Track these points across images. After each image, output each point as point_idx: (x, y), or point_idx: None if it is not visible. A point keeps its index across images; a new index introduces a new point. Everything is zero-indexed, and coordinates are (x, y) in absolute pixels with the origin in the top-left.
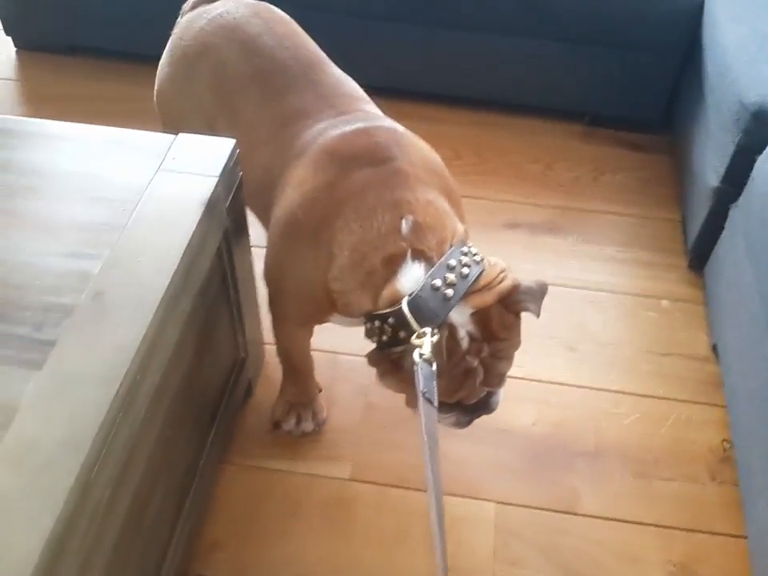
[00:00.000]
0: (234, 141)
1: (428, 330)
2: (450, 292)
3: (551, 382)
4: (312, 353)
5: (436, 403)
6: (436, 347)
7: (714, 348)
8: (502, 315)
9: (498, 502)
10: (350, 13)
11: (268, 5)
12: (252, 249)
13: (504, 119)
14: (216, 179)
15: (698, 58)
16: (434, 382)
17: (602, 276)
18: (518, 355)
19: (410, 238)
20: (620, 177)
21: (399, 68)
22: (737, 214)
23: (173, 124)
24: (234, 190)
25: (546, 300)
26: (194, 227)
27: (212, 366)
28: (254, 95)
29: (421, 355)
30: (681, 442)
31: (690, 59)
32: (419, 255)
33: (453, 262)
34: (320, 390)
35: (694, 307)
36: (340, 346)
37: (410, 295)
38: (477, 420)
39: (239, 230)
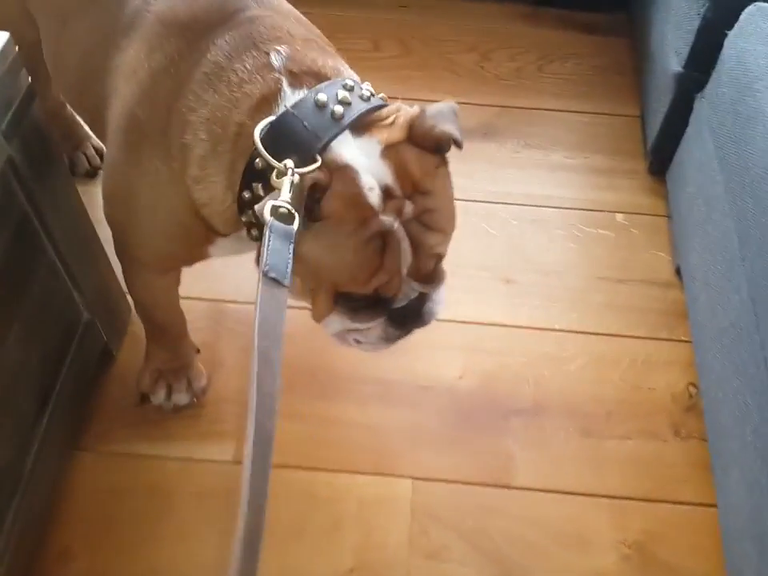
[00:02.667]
0: (6, 34)
1: (290, 162)
2: (339, 109)
3: (482, 323)
4: (186, 302)
5: (287, 282)
6: (309, 192)
7: (678, 271)
8: (420, 158)
9: (416, 478)
10: None
11: None
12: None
13: (433, 1)
14: None
15: None
16: (290, 252)
17: (547, 188)
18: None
19: (285, 67)
20: (570, 65)
21: None
22: (703, 106)
23: None
24: (15, 104)
25: (476, 219)
26: None
27: (29, 339)
28: None
29: (275, 209)
30: (638, 390)
31: None
32: (299, 81)
33: (350, 83)
34: (197, 351)
35: (655, 221)
36: (225, 291)
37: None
38: (391, 377)
39: (39, 156)
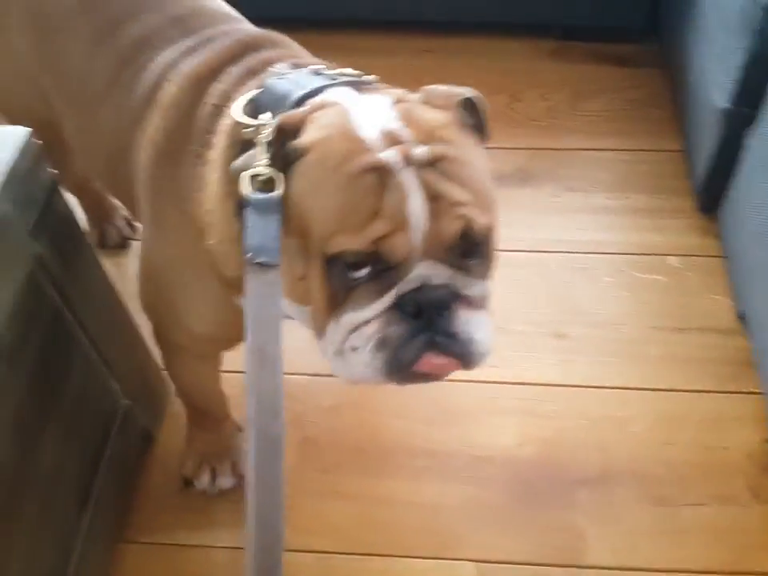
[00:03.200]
0: (24, 131)
1: (267, 117)
2: (332, 73)
3: (536, 384)
4: (229, 376)
5: (277, 260)
6: (277, 136)
7: (742, 316)
8: (438, 113)
9: (479, 561)
10: None
11: None
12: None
13: (457, 43)
14: None
15: None
16: (277, 223)
17: (591, 233)
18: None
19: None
20: (604, 101)
21: None
22: (756, 142)
23: None
24: (41, 201)
25: (518, 271)
26: None
27: (66, 438)
28: (84, 31)
29: (255, 180)
30: (710, 450)
31: None
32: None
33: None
34: (240, 431)
35: (710, 262)
36: None
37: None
38: (444, 449)
39: (67, 248)
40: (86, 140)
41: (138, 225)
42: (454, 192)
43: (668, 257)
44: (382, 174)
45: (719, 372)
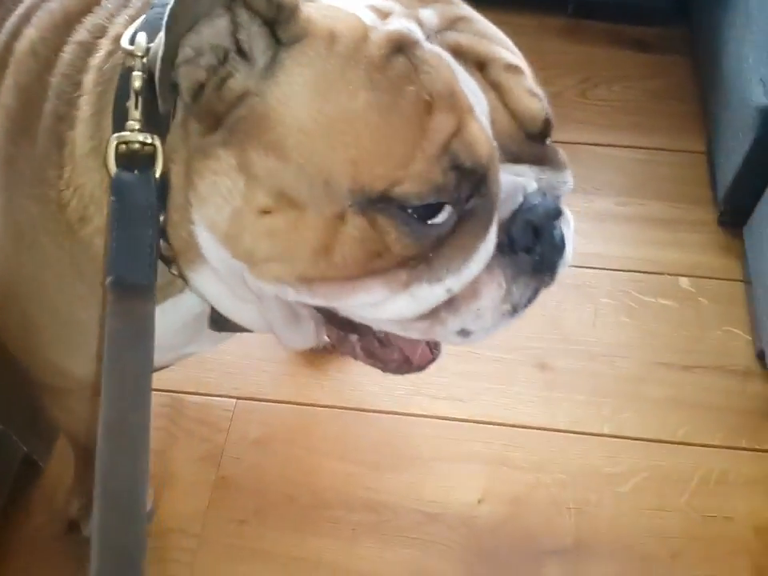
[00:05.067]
0: None
1: (142, 38)
2: None
3: (509, 425)
4: None
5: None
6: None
7: (761, 355)
8: None
9: None
10: None
11: None
12: None
13: None
14: None
15: None
16: (155, 226)
17: (592, 244)
18: (456, 381)
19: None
20: (619, 89)
21: None
22: None
23: None
24: None
25: None
26: None
27: None
28: None
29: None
30: (711, 521)
31: None
32: None
33: None
34: None
35: (730, 287)
36: (184, 381)
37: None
38: (389, 501)
39: None
40: None
41: None
42: (496, 50)
43: (680, 278)
44: (409, 52)
45: (732, 423)
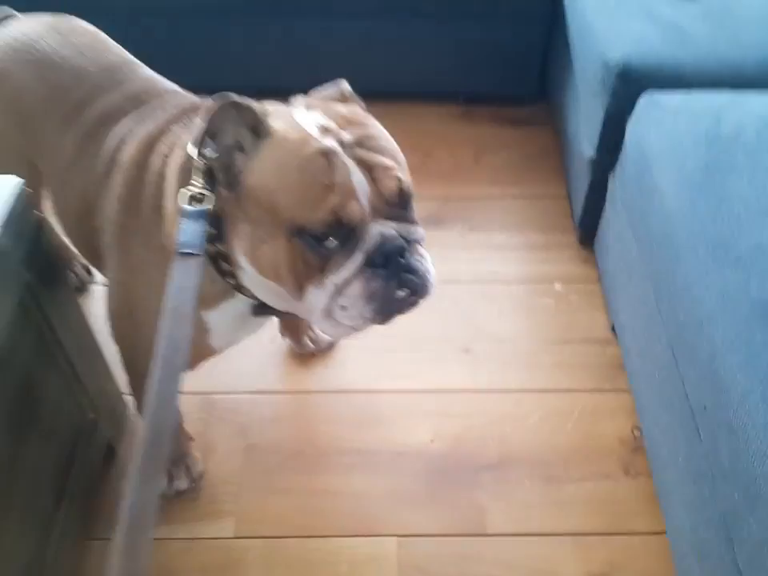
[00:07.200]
0: (18, 180)
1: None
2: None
3: (447, 390)
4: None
5: (200, 250)
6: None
7: (613, 328)
8: (341, 105)
9: (400, 536)
10: (195, 10)
11: (68, 17)
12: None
13: (378, 109)
14: None
15: (562, 22)
16: (203, 228)
17: (493, 265)
18: (408, 364)
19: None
20: (503, 156)
21: (253, 66)
22: (615, 184)
23: None
24: (31, 237)
25: (435, 300)
26: None
27: (45, 441)
28: (54, 114)
29: (190, 198)
30: (589, 437)
31: (555, 24)
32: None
33: None
34: (191, 440)
35: (589, 287)
36: (213, 385)
37: None
38: (369, 447)
39: (51, 278)
40: (59, 202)
41: (94, 272)
42: (383, 160)
43: (555, 283)
44: (328, 156)
45: (598, 374)
